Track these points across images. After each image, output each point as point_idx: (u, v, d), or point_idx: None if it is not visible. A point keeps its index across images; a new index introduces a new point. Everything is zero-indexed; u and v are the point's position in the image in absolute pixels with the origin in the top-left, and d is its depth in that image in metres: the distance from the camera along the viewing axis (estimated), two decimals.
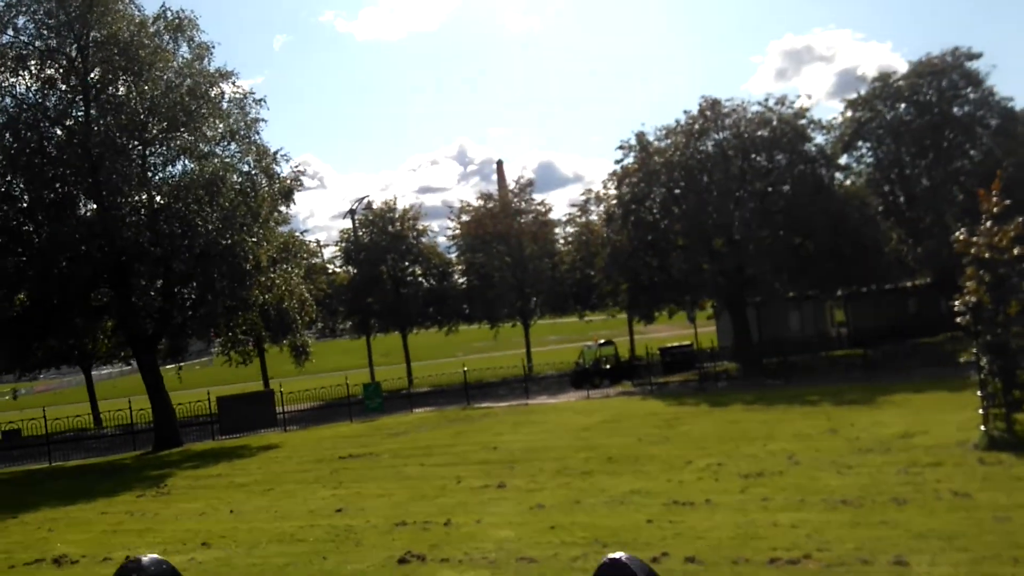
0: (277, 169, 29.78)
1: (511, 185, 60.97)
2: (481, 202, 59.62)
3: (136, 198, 27.45)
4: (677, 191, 39.36)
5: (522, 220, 58.81)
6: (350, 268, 56.41)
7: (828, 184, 37.93)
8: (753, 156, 38.88)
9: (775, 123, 37.92)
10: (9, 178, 26.47)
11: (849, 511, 9.93)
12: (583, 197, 69.25)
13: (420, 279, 55.99)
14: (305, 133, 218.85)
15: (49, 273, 25.55)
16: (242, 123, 29.53)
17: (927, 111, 43.59)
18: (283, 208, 30.02)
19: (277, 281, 28.91)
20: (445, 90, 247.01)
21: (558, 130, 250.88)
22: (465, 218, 59.31)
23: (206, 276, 26.56)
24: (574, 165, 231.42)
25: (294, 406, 34.81)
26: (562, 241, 60.11)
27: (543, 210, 59.45)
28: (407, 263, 56.12)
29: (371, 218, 55.50)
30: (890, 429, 15.56)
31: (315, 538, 11.39)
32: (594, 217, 61.87)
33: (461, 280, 57.66)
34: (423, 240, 56.56)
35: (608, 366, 42.78)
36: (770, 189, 37.89)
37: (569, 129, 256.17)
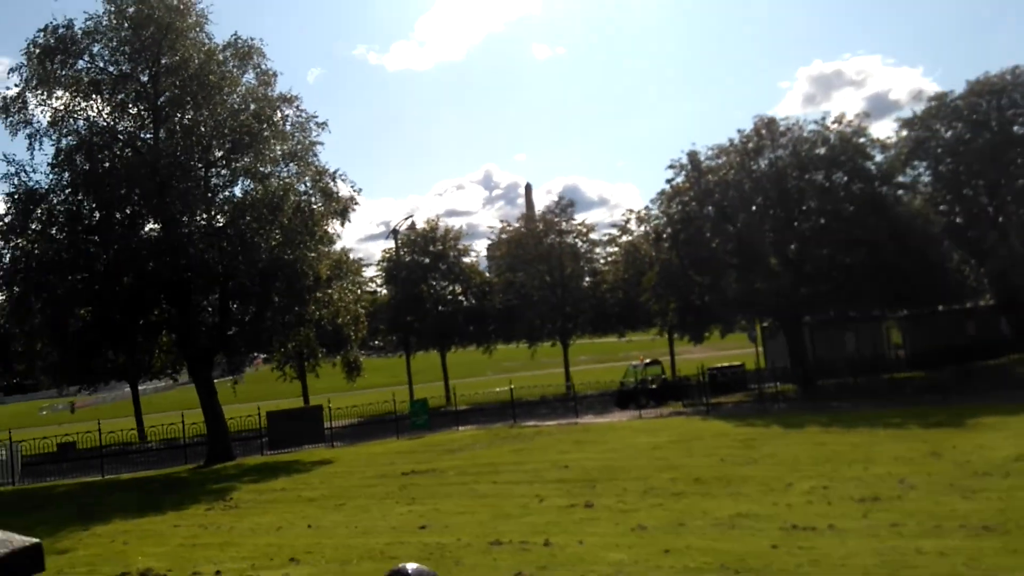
0: (334, 188, 29.73)
1: (539, 209, 60.66)
2: (520, 223, 59.45)
3: (199, 217, 27.58)
4: (730, 210, 38.68)
5: (562, 240, 58.51)
6: (386, 288, 56.37)
7: (891, 202, 36.86)
8: (808, 175, 38.10)
9: (833, 141, 37.16)
10: (80, 197, 26.75)
11: (996, 537, 9.16)
12: (624, 217, 69.08)
13: (460, 298, 55.57)
14: (336, 159, 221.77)
15: (113, 290, 25.67)
16: (301, 145, 29.61)
17: (986, 129, 42.52)
18: (339, 226, 29.94)
19: (334, 297, 28.72)
20: (471, 117, 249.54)
21: (583, 155, 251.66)
22: (505, 238, 59.20)
23: (265, 292, 26.44)
24: (599, 189, 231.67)
25: (339, 422, 34.48)
26: (602, 261, 59.54)
27: (584, 230, 59.04)
28: (447, 282, 55.87)
29: (413, 238, 55.38)
30: (1000, 452, 14.65)
31: (407, 555, 10.81)
32: (632, 237, 61.66)
33: (501, 299, 57.19)
34: (464, 260, 56.33)
35: (654, 386, 41.77)
36: (829, 207, 36.95)
37: (594, 154, 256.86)
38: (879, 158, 38.16)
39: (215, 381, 31.01)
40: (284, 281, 26.19)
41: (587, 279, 57.59)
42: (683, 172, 40.09)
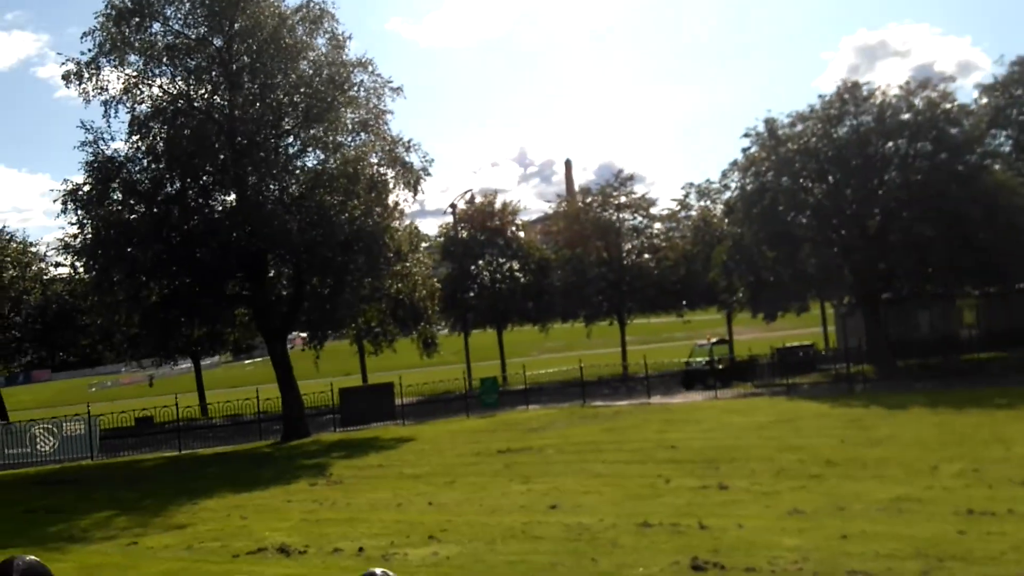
0: (407, 158, 29.17)
1: (583, 183, 59.22)
2: (568, 198, 58.40)
3: (275, 187, 27.27)
4: (809, 181, 37.32)
5: (620, 214, 57.47)
6: (442, 265, 56.01)
7: (977, 172, 35.05)
8: (890, 144, 36.52)
9: (920, 106, 35.44)
10: (160, 166, 26.60)
11: None
12: (683, 191, 67.55)
13: (518, 274, 54.80)
14: None
15: (192, 261, 25.57)
16: (373, 113, 29.04)
17: None
18: (411, 197, 29.42)
19: (413, 270, 28.33)
20: (506, 93, 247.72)
21: (620, 131, 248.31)
22: (563, 211, 58.33)
23: (344, 264, 26.10)
24: (635, 165, 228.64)
25: (406, 399, 34.29)
26: (660, 236, 58.11)
27: (644, 204, 57.86)
28: (504, 259, 55.11)
29: (470, 212, 54.69)
30: None
31: (552, 536, 10.39)
32: (693, 211, 60.26)
33: (559, 276, 56.42)
34: (521, 235, 55.54)
35: (721, 366, 40.60)
36: (914, 177, 35.33)
37: (632, 130, 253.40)
38: (965, 126, 36.31)
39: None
40: (364, 253, 25.79)
41: (646, 255, 56.42)
42: (759, 141, 38.73)
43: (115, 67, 27.41)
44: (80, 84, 27.07)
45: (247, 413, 33.02)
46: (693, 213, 61.39)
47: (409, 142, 29.34)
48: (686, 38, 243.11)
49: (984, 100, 43.01)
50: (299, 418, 28.80)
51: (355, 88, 28.54)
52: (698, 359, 40.52)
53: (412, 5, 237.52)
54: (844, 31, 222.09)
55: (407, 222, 31.86)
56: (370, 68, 28.84)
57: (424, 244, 29.64)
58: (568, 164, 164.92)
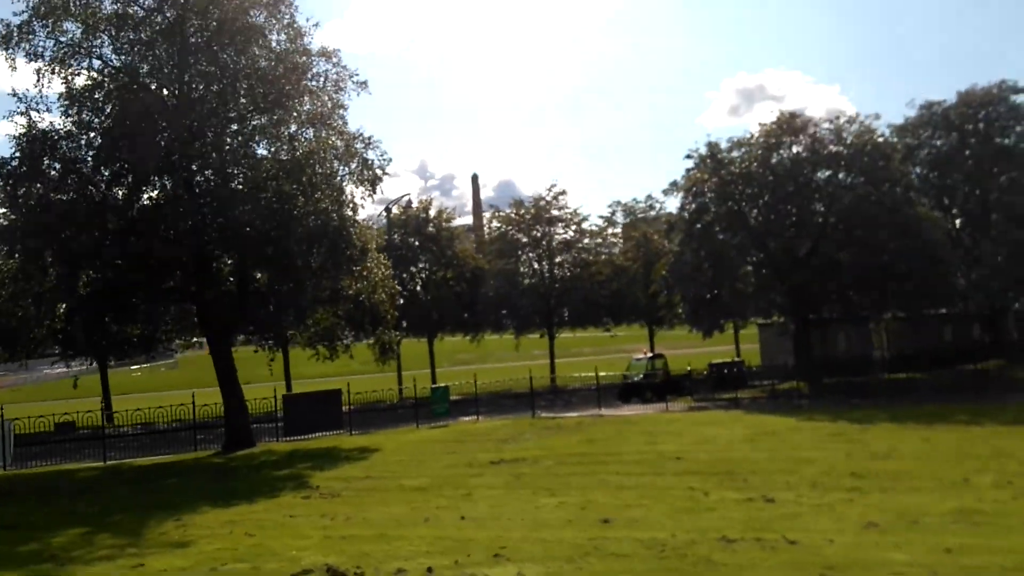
0: (367, 155, 27.83)
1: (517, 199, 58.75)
2: (512, 210, 58.10)
3: (232, 174, 25.36)
4: (746, 204, 38.48)
5: (552, 228, 57.55)
6: None
7: (901, 205, 37.12)
8: (820, 173, 38.20)
9: (849, 140, 37.39)
10: (99, 144, 24.14)
11: None
12: (610, 209, 68.52)
13: (451, 283, 53.74)
14: None
15: (133, 250, 23.34)
16: (327, 106, 27.61)
17: (975, 139, 43.28)
18: (370, 195, 27.99)
19: (375, 270, 26.94)
20: (405, 105, 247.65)
21: (519, 151, 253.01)
22: (496, 224, 57.92)
23: (305, 261, 24.50)
24: (534, 186, 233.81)
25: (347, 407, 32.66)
26: (591, 252, 58.48)
27: (577, 220, 58.16)
28: (438, 267, 53.95)
29: (404, 218, 53.30)
30: None
31: (634, 553, 9.75)
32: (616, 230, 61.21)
33: (493, 286, 55.83)
34: (456, 243, 54.59)
35: (657, 380, 41.00)
36: (846, 205, 37.01)
37: (530, 151, 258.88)
38: (894, 160, 38.43)
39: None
40: (328, 249, 24.30)
41: (577, 269, 56.61)
42: (700, 162, 39.65)
43: (49, 35, 24.92)
44: (6, 48, 24.44)
45: (161, 421, 30.31)
46: (619, 230, 62.48)
47: (369, 138, 28.09)
48: (584, 68, 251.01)
49: (894, 140, 45.62)
50: (243, 426, 26.83)
51: (317, 79, 27.12)
52: (636, 373, 40.86)
53: (314, 12, 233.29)
54: (725, 73, 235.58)
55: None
56: (334, 59, 27.48)
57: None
58: (475, 179, 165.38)
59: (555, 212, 57.73)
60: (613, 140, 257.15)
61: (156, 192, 25.78)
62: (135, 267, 24.46)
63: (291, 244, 23.28)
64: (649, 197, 71.82)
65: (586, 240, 58.30)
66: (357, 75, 27.87)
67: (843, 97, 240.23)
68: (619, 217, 66.18)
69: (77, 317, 24.39)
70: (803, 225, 37.92)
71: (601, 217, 64.96)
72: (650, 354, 43.97)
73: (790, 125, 38.41)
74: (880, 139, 38.57)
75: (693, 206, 39.76)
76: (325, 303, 26.75)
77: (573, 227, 57.67)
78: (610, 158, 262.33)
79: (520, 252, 57.52)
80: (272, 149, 27.41)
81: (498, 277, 55.09)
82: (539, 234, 56.86)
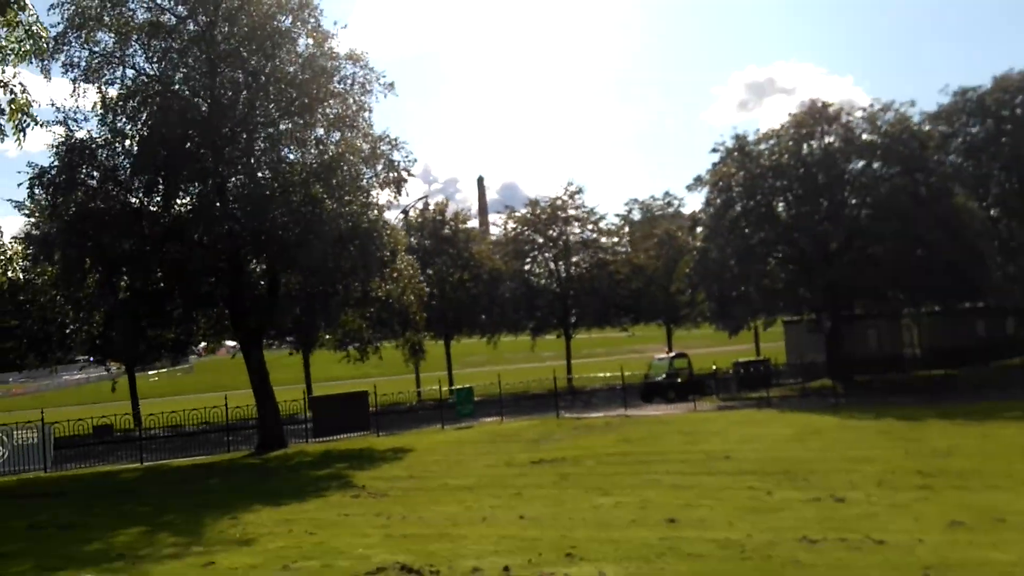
0: (393, 156, 27.73)
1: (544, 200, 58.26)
2: (528, 209, 57.86)
3: (262, 178, 25.33)
4: (777, 197, 38.00)
5: (569, 227, 57.30)
6: None
7: (939, 195, 36.44)
8: (858, 163, 37.57)
9: (884, 128, 36.75)
10: (135, 152, 24.20)
11: None
12: (626, 207, 68.22)
13: (468, 284, 53.50)
14: None
15: (170, 255, 23.37)
16: (353, 109, 27.52)
17: (1012, 124, 42.45)
18: (396, 196, 27.90)
19: (406, 272, 26.81)
20: (408, 111, 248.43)
21: (522, 153, 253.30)
22: (512, 224, 57.68)
23: (336, 263, 24.40)
24: (538, 188, 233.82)
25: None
26: (608, 251, 58.07)
27: (594, 219, 57.88)
28: (454, 269, 53.69)
29: (420, 220, 53.13)
30: None
31: (712, 554, 9.50)
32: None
33: (510, 288, 55.65)
34: (472, 245, 54.37)
35: (680, 380, 40.62)
36: (878, 198, 36.38)
37: (532, 153, 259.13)
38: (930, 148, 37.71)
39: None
40: (360, 251, 24.21)
41: (595, 269, 56.28)
42: (728, 156, 39.23)
43: (83, 44, 24.97)
44: (42, 61, 24.47)
45: (189, 424, 30.21)
46: (626, 229, 61.98)
47: (395, 140, 28.02)
48: (585, 68, 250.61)
49: (927, 128, 45.01)
50: (276, 428, 26.75)
51: (345, 82, 27.06)
52: (659, 373, 40.51)
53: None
54: (735, 67, 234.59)
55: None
56: (361, 62, 27.39)
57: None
58: (480, 181, 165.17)
59: (572, 211, 57.62)
60: (618, 139, 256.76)
61: (189, 199, 25.78)
62: (171, 273, 24.51)
63: (322, 247, 23.17)
64: (667, 194, 71.50)
65: (603, 239, 58.10)
66: (384, 77, 27.79)
67: (858, 88, 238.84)
68: (636, 215, 66.13)
69: (116, 322, 24.39)
70: (835, 218, 37.20)
71: (617, 215, 64.75)
72: (672, 353, 43.62)
73: (822, 114, 37.79)
74: (916, 127, 37.89)
75: (719, 201, 39.34)
76: (355, 305, 26.59)
77: (590, 226, 57.50)
78: (615, 157, 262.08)
79: (536, 252, 57.40)
80: (301, 153, 27.40)
81: (514, 278, 54.95)
82: (555, 233, 56.69)
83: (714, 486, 13.85)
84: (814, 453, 16.86)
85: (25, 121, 10.43)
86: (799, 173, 37.04)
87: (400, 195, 28.37)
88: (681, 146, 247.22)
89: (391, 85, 27.62)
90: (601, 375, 45.13)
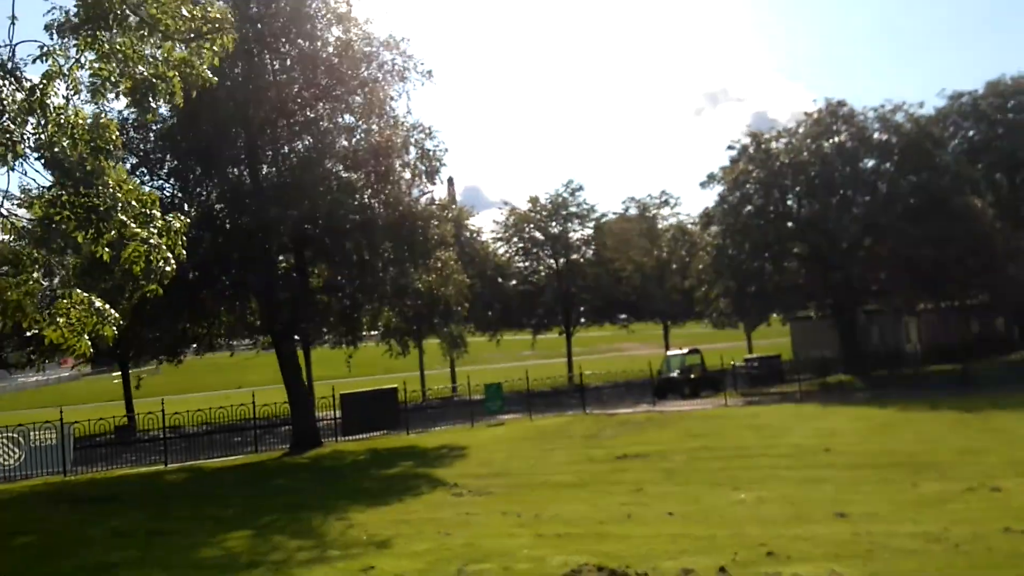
0: (427, 144, 26.82)
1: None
2: (530, 205, 57.23)
3: (295, 167, 24.24)
4: (793, 194, 38.05)
5: (569, 224, 56.86)
6: None
7: (951, 195, 36.83)
8: (869, 162, 37.86)
9: (904, 128, 37.02)
10: (176, 137, 22.93)
11: None
12: (624, 206, 67.89)
13: (473, 281, 52.44)
14: None
15: (211, 242, 22.17)
16: (388, 95, 26.56)
17: (1014, 128, 43.22)
18: (430, 185, 27.00)
19: (451, 263, 25.92)
20: None
21: (482, 158, 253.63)
22: (513, 220, 56.97)
23: (381, 253, 23.41)
24: (500, 192, 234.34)
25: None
26: (611, 249, 57.60)
27: (595, 215, 57.48)
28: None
29: None
30: None
31: (921, 549, 8.94)
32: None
33: (512, 284, 54.95)
34: (476, 241, 53.52)
35: (693, 376, 40.36)
36: (895, 196, 36.65)
37: (494, 157, 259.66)
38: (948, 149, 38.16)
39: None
40: (407, 240, 23.24)
41: (597, 267, 55.89)
42: (744, 153, 39.13)
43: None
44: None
45: (188, 425, 28.72)
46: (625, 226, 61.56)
47: (429, 128, 27.15)
48: (541, 74, 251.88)
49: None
50: (311, 426, 25.66)
51: (381, 69, 26.10)
52: (672, 369, 40.17)
53: None
54: (690, 76, 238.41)
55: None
56: (398, 48, 26.43)
57: None
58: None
59: (572, 209, 57.18)
60: (577, 145, 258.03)
61: (223, 188, 24.56)
62: (202, 263, 23.23)
63: (358, 236, 22.22)
64: (663, 192, 71.48)
65: (607, 240, 57.62)
66: (422, 64, 26.88)
67: (809, 95, 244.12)
68: (633, 212, 65.84)
69: (148, 315, 23.01)
70: (850, 215, 37.35)
71: (615, 213, 64.36)
72: (686, 350, 43.31)
73: (837, 114, 37.90)
74: (917, 129, 38.18)
75: (733, 197, 39.21)
76: (394, 298, 25.62)
77: (590, 223, 57.10)
78: (576, 163, 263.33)
79: (537, 249, 56.83)
80: (337, 140, 26.38)
81: (517, 275, 54.35)
82: (556, 230, 56.22)
83: (847, 480, 13.35)
84: (912, 445, 16.48)
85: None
86: (816, 171, 37.08)
87: (433, 184, 27.51)
88: (650, 151, 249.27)
89: (429, 72, 26.72)
90: (594, 372, 44.43)
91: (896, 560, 8.57)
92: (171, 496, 17.26)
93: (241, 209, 23.64)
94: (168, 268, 7.46)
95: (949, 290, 38.71)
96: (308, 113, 25.84)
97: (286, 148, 25.47)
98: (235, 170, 24.38)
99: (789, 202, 39.54)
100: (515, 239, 56.76)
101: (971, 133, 45.30)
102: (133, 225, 7.10)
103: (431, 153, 26.89)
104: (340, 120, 26.50)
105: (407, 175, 26.46)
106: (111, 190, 7.19)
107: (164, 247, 7.38)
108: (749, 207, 38.63)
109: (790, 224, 38.29)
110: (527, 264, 56.36)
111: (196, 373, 59.42)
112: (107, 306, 7.72)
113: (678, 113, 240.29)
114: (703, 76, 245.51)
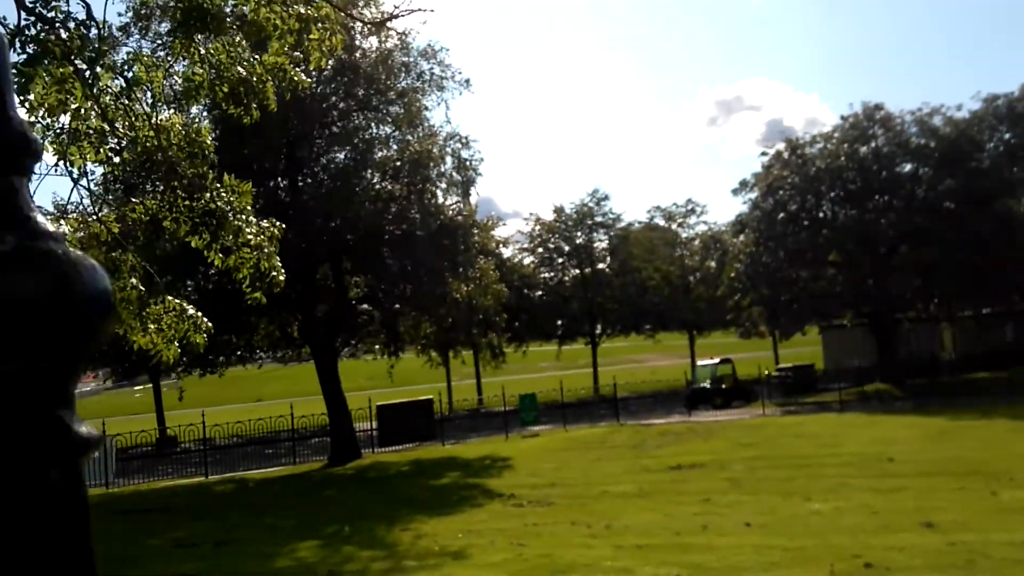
0: (464, 154, 26.75)
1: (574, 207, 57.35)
2: (555, 215, 57.11)
3: (335, 177, 24.25)
4: (830, 200, 37.60)
5: (594, 235, 56.70)
6: None
7: (992, 199, 36.23)
8: (907, 166, 37.34)
9: (939, 131, 36.54)
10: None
11: None
12: (649, 215, 67.42)
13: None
14: None
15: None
16: (417, 106, 26.53)
17: None
18: (466, 196, 26.91)
19: (490, 272, 25.78)
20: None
21: (495, 169, 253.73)
22: (538, 230, 56.84)
23: (422, 263, 23.30)
24: (513, 203, 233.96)
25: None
26: (638, 258, 57.20)
27: (621, 225, 57.26)
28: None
29: None
30: None
31: None
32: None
33: (539, 296, 54.75)
34: (501, 251, 53.30)
35: (725, 386, 39.92)
36: (936, 199, 36.06)
37: (506, 169, 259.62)
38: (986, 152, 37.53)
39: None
40: (450, 250, 23.14)
41: (623, 276, 55.57)
42: (779, 159, 38.76)
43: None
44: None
45: (218, 437, 28.73)
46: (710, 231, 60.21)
47: (466, 138, 27.08)
48: (552, 83, 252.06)
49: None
50: (350, 437, 25.52)
51: (420, 79, 26.09)
52: (704, 380, 39.76)
53: None
54: (703, 84, 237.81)
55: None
56: (437, 57, 26.43)
57: None
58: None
59: (598, 218, 57.02)
60: (589, 156, 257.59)
61: (264, 200, 24.58)
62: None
63: (402, 247, 22.14)
64: (689, 201, 71.03)
65: (632, 249, 57.28)
66: (460, 73, 26.87)
67: (823, 105, 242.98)
68: (659, 222, 65.49)
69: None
70: (888, 220, 36.74)
71: (640, 222, 64.11)
72: (717, 360, 42.85)
73: (874, 117, 37.41)
74: (974, 132, 37.55)
75: (767, 203, 38.81)
76: (435, 307, 25.50)
77: (616, 232, 56.88)
78: (588, 173, 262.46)
79: (563, 260, 56.69)
80: (377, 151, 26.39)
81: (543, 285, 54.21)
82: (582, 240, 56.04)
83: (923, 488, 12.98)
84: (978, 453, 16.05)
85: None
86: (852, 176, 36.64)
87: (469, 195, 27.42)
88: (658, 162, 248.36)
89: (467, 81, 26.69)
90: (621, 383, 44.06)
91: (1000, 570, 8.27)
92: (223, 507, 17.17)
93: (282, 220, 23.60)
94: (280, 277, 7.36)
95: (990, 295, 38.04)
96: (347, 124, 25.89)
97: (324, 159, 25.49)
98: (276, 181, 24.38)
99: (824, 208, 39.09)
100: (540, 249, 56.69)
101: (1007, 136, 44.60)
102: (248, 231, 6.99)
103: (467, 163, 26.86)
104: (378, 130, 26.53)
105: (443, 184, 26.48)
106: (223, 194, 7.09)
107: (274, 253, 7.27)
108: (783, 213, 38.25)
109: (824, 231, 37.83)
110: (552, 275, 56.19)
111: (215, 386, 59.52)
112: (199, 313, 7.64)
113: (692, 122, 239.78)
114: (715, 85, 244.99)
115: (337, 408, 25.50)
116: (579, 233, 56.51)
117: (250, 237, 6.98)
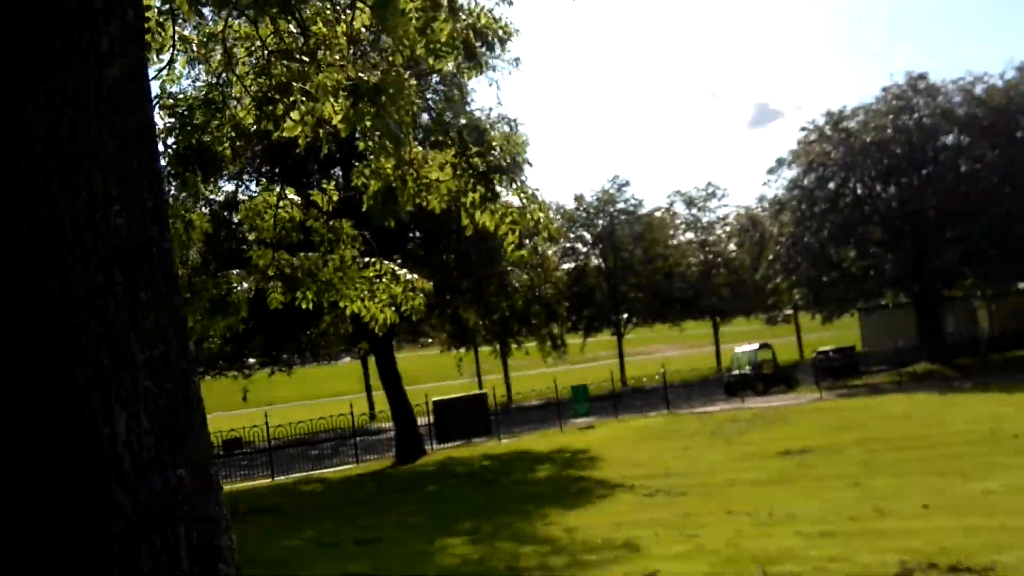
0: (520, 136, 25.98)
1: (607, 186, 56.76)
2: (575, 204, 56.29)
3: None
4: (874, 175, 36.66)
5: (617, 221, 55.81)
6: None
7: None
8: (961, 137, 36.26)
9: (983, 100, 35.63)
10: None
11: None
12: (669, 200, 66.39)
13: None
14: None
15: None
16: (455, 92, 25.75)
17: None
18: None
19: (551, 257, 25.15)
20: None
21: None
22: (560, 219, 56.04)
23: (480, 252, 22.64)
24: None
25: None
26: (662, 245, 56.40)
27: (643, 212, 56.49)
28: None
29: None
30: None
31: None
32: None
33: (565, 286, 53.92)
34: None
35: (766, 371, 39.29)
36: (974, 168, 35.11)
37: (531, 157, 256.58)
38: None
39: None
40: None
41: (650, 264, 54.85)
42: (819, 133, 37.86)
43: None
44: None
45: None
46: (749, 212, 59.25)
47: (515, 120, 26.27)
48: (578, 71, 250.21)
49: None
50: (414, 435, 24.86)
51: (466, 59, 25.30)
52: (741, 366, 39.16)
53: None
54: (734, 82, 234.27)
55: None
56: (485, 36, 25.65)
57: None
58: None
59: (620, 205, 56.21)
60: (603, 150, 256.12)
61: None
62: None
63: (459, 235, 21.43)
64: (709, 184, 70.06)
65: (656, 234, 56.53)
66: (508, 52, 26.06)
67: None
68: (679, 208, 64.58)
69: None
70: (935, 194, 35.85)
71: (659, 208, 63.27)
72: (756, 345, 42.22)
73: (917, 87, 36.51)
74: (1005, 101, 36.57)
75: (809, 180, 37.92)
76: (499, 296, 24.83)
77: (638, 219, 56.06)
78: (602, 166, 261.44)
79: (587, 248, 55.97)
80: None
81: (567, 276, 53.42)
82: (602, 228, 55.25)
83: None
84: None
85: None
86: (897, 150, 35.72)
87: (519, 177, 26.64)
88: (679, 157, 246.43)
89: (516, 60, 25.89)
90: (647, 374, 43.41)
91: None
92: (331, 507, 16.49)
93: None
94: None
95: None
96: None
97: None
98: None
99: (867, 183, 38.07)
100: (562, 240, 55.82)
101: None
102: None
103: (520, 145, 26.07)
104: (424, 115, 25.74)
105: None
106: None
107: None
108: (825, 190, 37.34)
109: (866, 208, 37.04)
110: (575, 264, 55.40)
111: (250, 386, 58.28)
112: (415, 276, 7.18)
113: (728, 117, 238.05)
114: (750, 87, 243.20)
115: (400, 406, 24.81)
116: (600, 220, 55.75)
117: None
